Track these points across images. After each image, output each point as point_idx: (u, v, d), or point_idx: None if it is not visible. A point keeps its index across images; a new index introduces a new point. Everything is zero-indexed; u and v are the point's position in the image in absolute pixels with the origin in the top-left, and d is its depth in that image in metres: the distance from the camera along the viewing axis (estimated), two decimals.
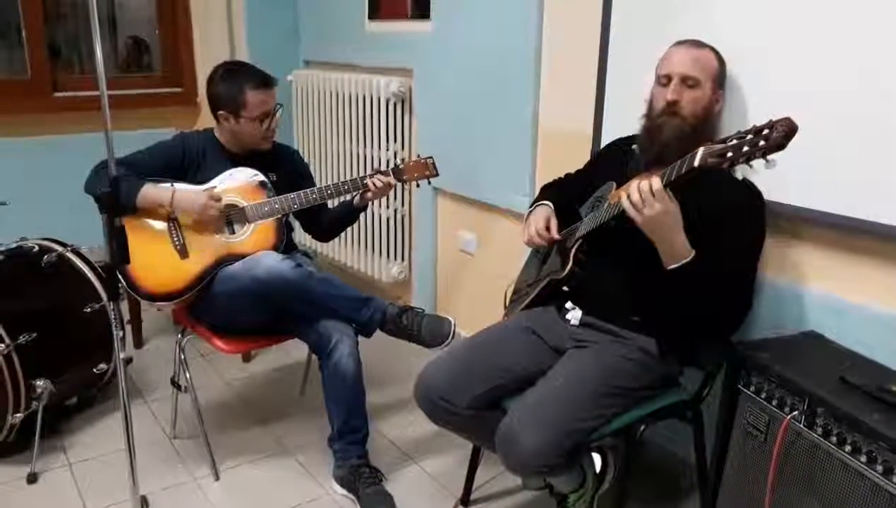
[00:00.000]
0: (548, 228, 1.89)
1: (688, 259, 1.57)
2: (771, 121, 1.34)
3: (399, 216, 3.26)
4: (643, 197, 1.52)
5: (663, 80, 1.75)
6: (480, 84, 2.71)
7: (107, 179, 1.65)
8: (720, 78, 1.77)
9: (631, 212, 1.55)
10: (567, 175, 2.13)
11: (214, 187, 2.22)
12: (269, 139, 2.31)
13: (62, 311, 2.37)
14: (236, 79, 2.22)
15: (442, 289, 3.20)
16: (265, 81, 2.24)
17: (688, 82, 1.71)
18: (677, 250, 1.57)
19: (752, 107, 1.81)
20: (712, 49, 1.77)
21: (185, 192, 2.16)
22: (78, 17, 3.63)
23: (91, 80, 1.38)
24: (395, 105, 3.09)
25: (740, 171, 1.43)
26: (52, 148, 3.37)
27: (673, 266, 1.59)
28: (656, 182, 1.52)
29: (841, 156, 1.66)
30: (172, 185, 2.17)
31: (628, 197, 1.55)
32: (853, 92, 1.62)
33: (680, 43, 1.78)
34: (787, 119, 1.33)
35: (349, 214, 2.45)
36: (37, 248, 2.40)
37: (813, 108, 1.67)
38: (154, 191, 2.14)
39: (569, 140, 2.39)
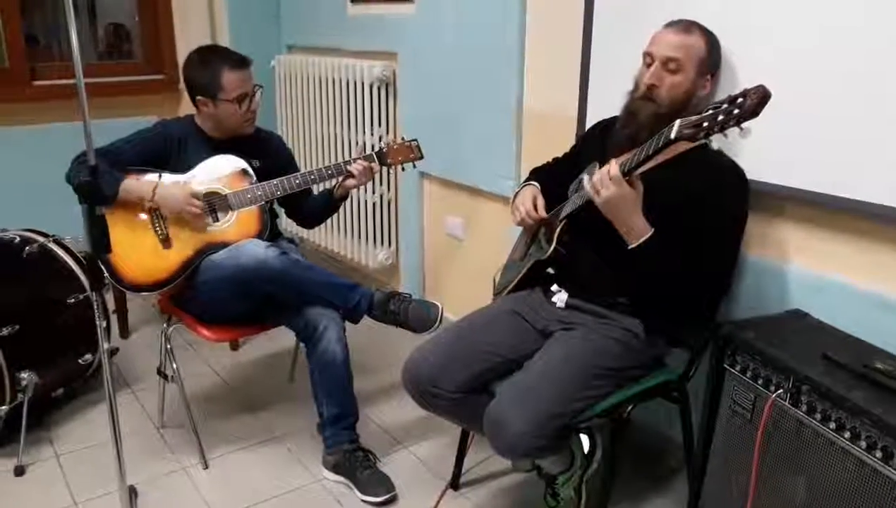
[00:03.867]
0: (536, 207, 1.89)
1: (646, 237, 1.60)
2: (745, 89, 1.34)
3: (385, 201, 3.25)
4: (602, 180, 1.57)
5: (647, 59, 1.74)
6: (465, 67, 2.69)
7: (87, 169, 1.62)
8: (708, 64, 1.72)
9: (590, 193, 1.61)
10: (555, 159, 2.12)
11: (196, 177, 2.20)
12: (250, 121, 2.28)
13: (45, 302, 2.35)
14: (211, 62, 2.19)
15: (430, 274, 3.20)
16: (241, 62, 2.21)
17: (669, 66, 1.68)
18: (635, 230, 1.61)
19: (735, 89, 1.79)
20: (704, 33, 1.71)
21: (166, 190, 2.12)
22: (56, 4, 3.56)
23: (71, 69, 1.36)
24: (379, 89, 3.06)
25: (716, 142, 1.43)
26: (32, 137, 3.33)
27: (633, 245, 1.61)
28: (614, 167, 1.56)
29: (824, 135, 1.66)
30: (160, 176, 2.14)
31: (591, 179, 1.61)
32: (837, 70, 1.61)
33: (670, 24, 1.74)
34: (761, 86, 1.33)
35: (332, 202, 2.43)
36: (18, 239, 2.37)
37: (797, 87, 1.67)
38: (136, 186, 2.11)
39: (554, 123, 2.38)
